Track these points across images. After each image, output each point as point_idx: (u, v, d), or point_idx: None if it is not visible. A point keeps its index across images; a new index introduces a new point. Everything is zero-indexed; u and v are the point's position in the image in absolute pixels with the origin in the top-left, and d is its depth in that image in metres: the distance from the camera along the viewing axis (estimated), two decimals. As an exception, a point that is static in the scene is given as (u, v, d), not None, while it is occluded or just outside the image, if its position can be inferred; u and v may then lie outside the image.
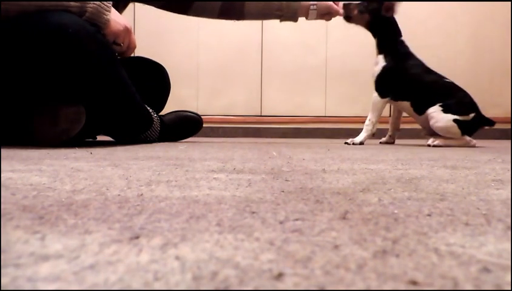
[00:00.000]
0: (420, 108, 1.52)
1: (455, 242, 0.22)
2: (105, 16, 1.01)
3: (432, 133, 1.53)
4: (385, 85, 1.53)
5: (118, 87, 1.08)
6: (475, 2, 2.54)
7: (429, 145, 1.50)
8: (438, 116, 1.48)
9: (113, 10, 1.05)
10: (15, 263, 0.18)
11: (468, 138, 1.49)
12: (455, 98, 1.49)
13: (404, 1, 2.58)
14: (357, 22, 1.60)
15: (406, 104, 1.55)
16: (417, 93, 1.52)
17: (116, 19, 1.06)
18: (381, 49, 1.56)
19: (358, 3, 1.57)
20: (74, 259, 0.19)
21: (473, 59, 2.42)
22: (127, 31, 1.09)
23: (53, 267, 0.18)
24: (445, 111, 1.47)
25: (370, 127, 1.54)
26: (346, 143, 1.58)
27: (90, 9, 0.98)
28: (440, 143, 1.49)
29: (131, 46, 1.13)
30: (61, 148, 0.94)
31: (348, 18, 1.59)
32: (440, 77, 1.54)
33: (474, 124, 1.48)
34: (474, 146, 1.46)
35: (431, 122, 1.50)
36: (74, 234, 0.23)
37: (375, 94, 1.54)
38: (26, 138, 1.06)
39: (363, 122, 1.56)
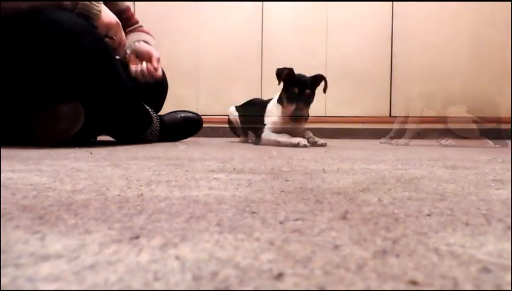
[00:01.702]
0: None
1: (455, 242, 0.22)
2: (96, 7, 1.04)
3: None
4: None
5: (115, 81, 1.08)
6: (475, 2, 2.54)
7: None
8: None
9: (103, 5, 1.07)
10: (15, 263, 0.18)
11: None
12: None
13: (405, 1, 2.58)
14: None
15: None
16: None
17: (108, 13, 1.08)
18: None
19: None
20: (74, 259, 0.19)
21: (473, 59, 2.41)
22: (118, 26, 1.11)
23: (53, 267, 0.18)
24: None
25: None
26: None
27: (81, 1, 1.00)
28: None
29: (122, 43, 1.15)
30: (61, 148, 0.94)
31: None
32: None
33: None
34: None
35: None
36: (74, 234, 0.23)
37: None
38: (26, 138, 1.06)
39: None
